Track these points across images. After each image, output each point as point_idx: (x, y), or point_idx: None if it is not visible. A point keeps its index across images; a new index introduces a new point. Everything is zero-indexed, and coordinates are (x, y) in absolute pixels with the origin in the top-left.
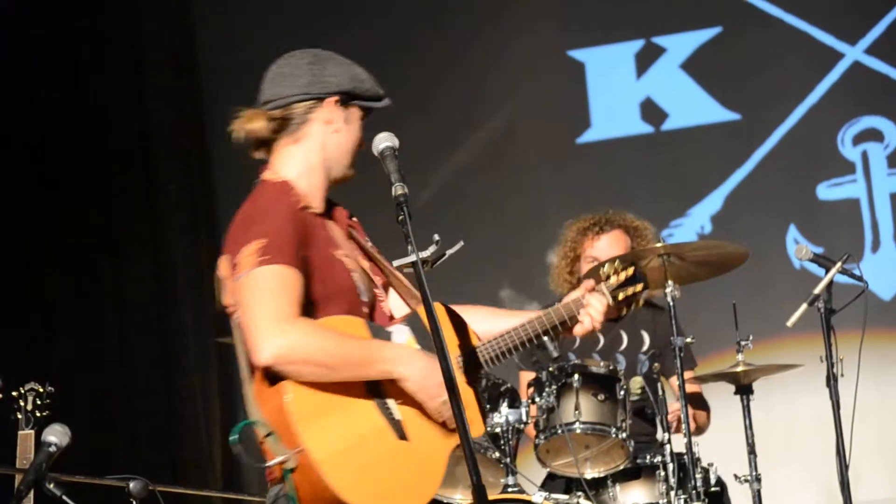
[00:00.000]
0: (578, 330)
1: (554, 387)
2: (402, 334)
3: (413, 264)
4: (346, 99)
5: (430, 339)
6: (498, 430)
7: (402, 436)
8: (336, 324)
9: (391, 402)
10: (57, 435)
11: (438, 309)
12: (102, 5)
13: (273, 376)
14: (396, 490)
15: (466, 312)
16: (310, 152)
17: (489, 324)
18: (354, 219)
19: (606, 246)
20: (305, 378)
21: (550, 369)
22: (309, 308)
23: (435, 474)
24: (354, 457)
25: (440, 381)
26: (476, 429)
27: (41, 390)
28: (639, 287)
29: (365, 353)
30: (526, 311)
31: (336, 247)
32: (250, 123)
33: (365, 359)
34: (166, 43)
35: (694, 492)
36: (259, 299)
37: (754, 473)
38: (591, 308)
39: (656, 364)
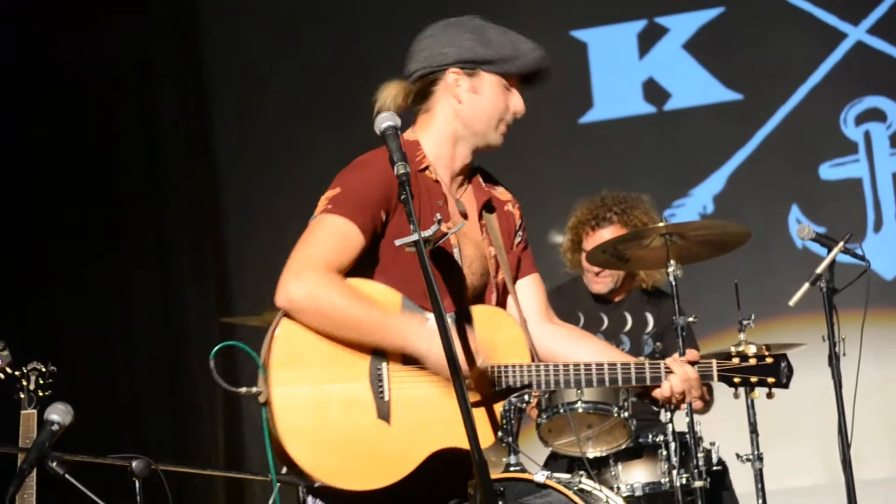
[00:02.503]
0: (657, 393)
1: None
2: None
3: (415, 243)
4: (469, 67)
5: (466, 339)
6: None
7: (385, 417)
8: (371, 290)
9: (387, 381)
10: (59, 414)
11: (498, 313)
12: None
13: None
14: (346, 466)
15: (558, 334)
16: (439, 123)
17: (570, 349)
18: (509, 208)
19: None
20: (317, 329)
21: None
22: (374, 265)
23: (399, 467)
24: (316, 417)
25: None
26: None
27: (44, 369)
28: (770, 380)
29: (380, 322)
30: (616, 351)
31: (443, 218)
32: (388, 94)
33: (379, 327)
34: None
35: (696, 471)
36: (304, 245)
37: (756, 453)
38: (673, 377)
39: (659, 343)
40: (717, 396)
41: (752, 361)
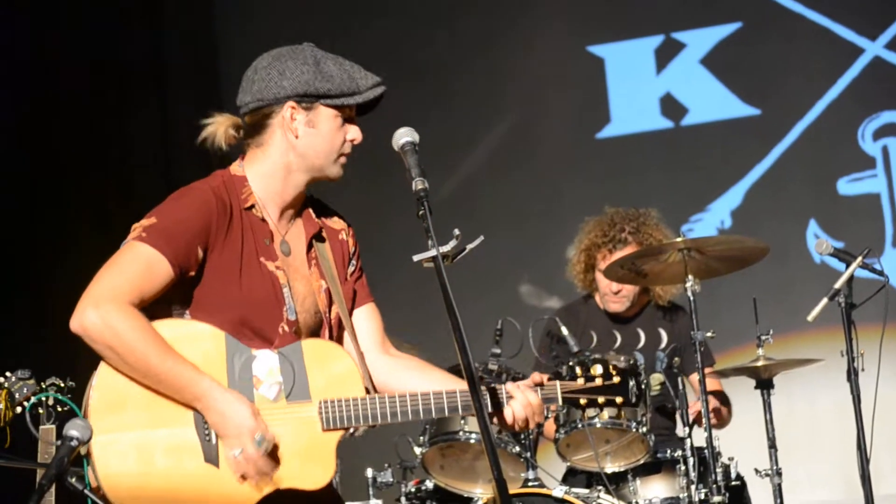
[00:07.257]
0: (498, 419)
1: None
2: (265, 361)
3: (433, 259)
4: (306, 100)
5: (295, 376)
6: None
7: (212, 461)
8: (192, 331)
9: None
10: (79, 429)
11: (328, 347)
12: None
13: None
14: None
15: (388, 364)
16: (273, 156)
17: (407, 381)
18: (343, 237)
19: None
20: (110, 363)
21: (570, 364)
22: (196, 305)
23: None
24: (141, 464)
25: (239, 433)
26: (314, 481)
27: (62, 385)
28: (618, 399)
29: (173, 376)
30: (455, 380)
31: (270, 257)
32: (215, 129)
33: (172, 381)
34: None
35: (714, 486)
36: (109, 271)
37: (775, 468)
38: (514, 402)
39: (676, 358)
40: (737, 412)
41: (598, 381)
